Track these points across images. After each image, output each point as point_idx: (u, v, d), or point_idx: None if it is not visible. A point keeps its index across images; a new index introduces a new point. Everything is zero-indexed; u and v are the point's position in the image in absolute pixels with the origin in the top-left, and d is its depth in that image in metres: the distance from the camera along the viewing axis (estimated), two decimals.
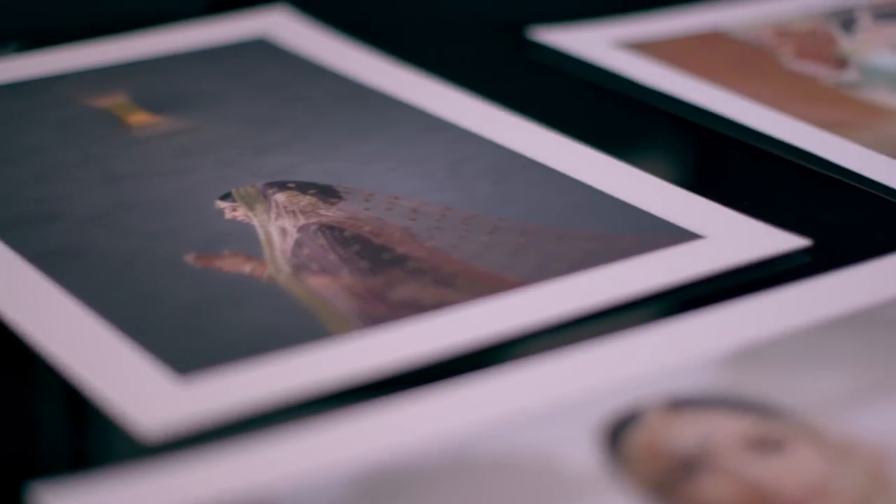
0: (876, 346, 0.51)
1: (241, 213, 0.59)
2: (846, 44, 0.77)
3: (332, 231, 0.58)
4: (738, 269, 0.56)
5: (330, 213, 0.59)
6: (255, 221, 0.58)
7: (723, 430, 0.47)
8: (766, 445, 0.46)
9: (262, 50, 0.75)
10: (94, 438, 0.49)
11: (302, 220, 0.58)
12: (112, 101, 0.69)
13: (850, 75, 0.73)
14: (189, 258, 0.55)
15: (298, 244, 0.57)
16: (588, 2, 0.83)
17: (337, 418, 0.47)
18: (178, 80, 0.72)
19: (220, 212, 0.59)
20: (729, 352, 0.51)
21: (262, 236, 0.57)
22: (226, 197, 0.60)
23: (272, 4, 0.80)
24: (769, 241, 0.58)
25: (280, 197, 0.60)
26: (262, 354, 0.50)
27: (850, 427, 0.46)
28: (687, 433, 0.47)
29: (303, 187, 0.61)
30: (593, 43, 0.76)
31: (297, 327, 0.51)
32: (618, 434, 0.47)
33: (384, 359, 0.50)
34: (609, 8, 0.81)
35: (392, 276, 0.55)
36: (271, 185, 0.61)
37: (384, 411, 0.48)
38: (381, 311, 0.52)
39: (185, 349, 0.50)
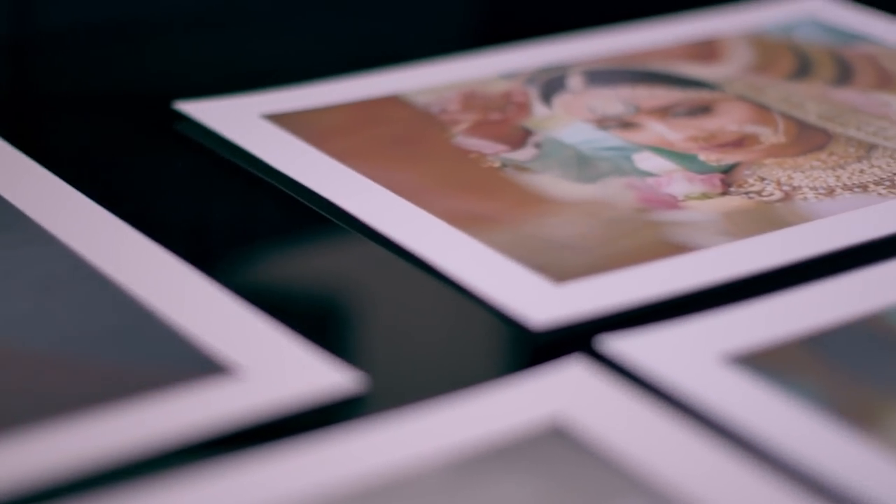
0: None
1: None
2: (537, 112, 0.67)
3: None
4: (279, 411, 0.47)
5: None
6: None
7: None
8: None
9: None
10: None
11: None
12: None
13: (523, 154, 0.63)
14: None
15: None
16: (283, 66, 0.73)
17: None
18: None
19: None
20: None
21: None
22: None
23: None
24: (317, 376, 0.48)
25: None
26: None
27: None
28: None
29: None
30: (240, 117, 0.65)
31: None
32: None
33: None
34: (323, 68, 0.71)
35: None
36: None
37: None
38: None
39: None
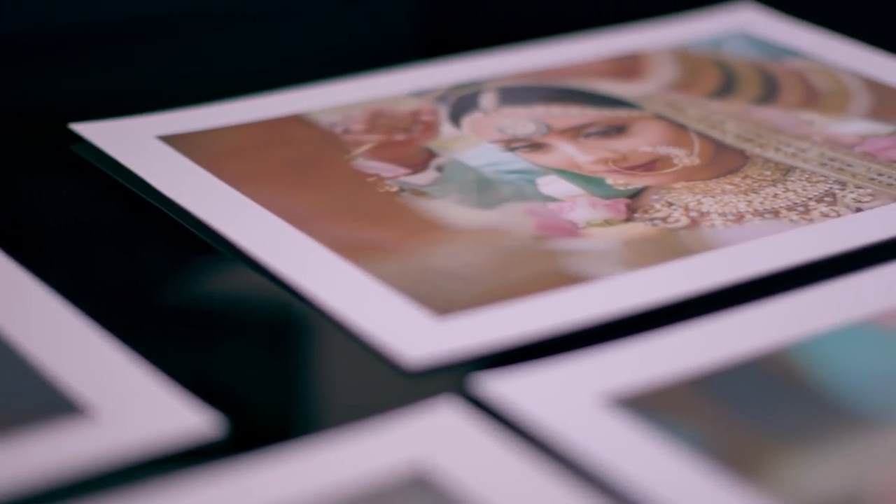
0: None
1: None
2: (444, 133, 0.64)
3: None
4: (133, 455, 0.44)
5: None
6: None
7: None
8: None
9: None
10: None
11: None
12: None
13: (423, 177, 0.60)
14: None
15: None
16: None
17: None
18: None
19: None
20: None
21: None
22: None
23: None
24: (175, 418, 0.45)
25: None
26: None
27: None
28: None
29: None
30: (134, 139, 0.62)
31: None
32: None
33: None
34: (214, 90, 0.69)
35: None
36: None
37: None
38: None
39: None
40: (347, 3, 0.80)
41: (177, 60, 0.73)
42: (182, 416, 0.46)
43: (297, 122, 0.64)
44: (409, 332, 0.50)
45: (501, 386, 0.47)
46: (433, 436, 0.45)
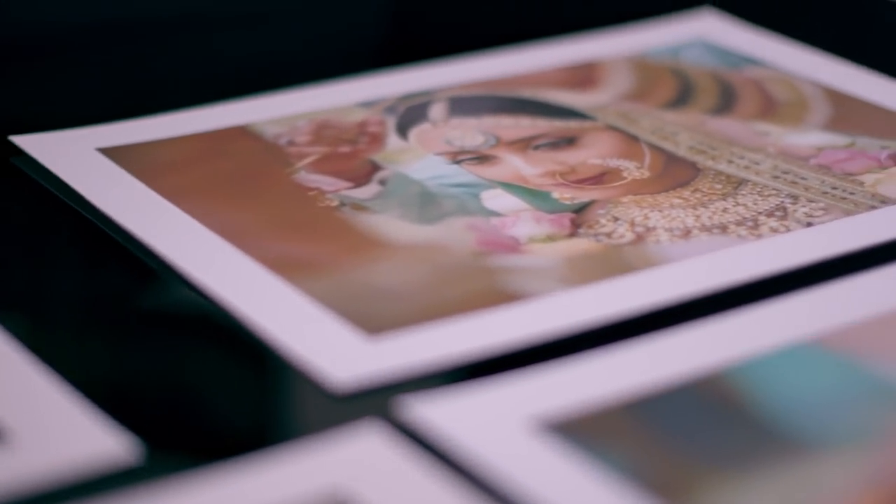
0: None
1: None
2: (391, 145, 0.63)
3: None
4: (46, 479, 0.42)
5: None
6: None
7: None
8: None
9: None
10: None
11: None
12: None
13: (365, 191, 0.58)
14: None
15: None
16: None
17: None
18: None
19: None
20: None
21: None
22: None
23: None
24: (90, 442, 0.44)
25: None
26: None
27: None
28: None
29: None
30: (74, 151, 0.60)
31: None
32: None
33: None
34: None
35: None
36: None
37: None
38: None
39: None
40: (308, 9, 0.79)
41: (122, 71, 0.71)
42: (98, 440, 0.44)
43: (242, 134, 0.63)
44: (338, 353, 0.48)
45: (428, 410, 0.46)
46: (355, 461, 0.44)
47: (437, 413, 0.45)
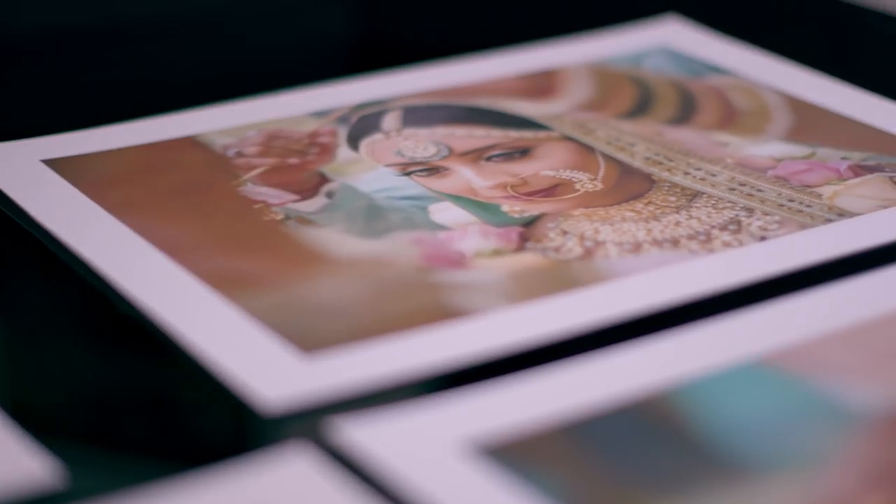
0: None
1: None
2: (341, 156, 0.61)
3: None
4: None
5: None
6: None
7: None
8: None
9: None
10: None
11: None
12: None
13: (311, 204, 0.57)
14: None
15: None
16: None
17: None
18: None
19: None
20: None
21: None
22: None
23: None
24: (10, 464, 0.43)
25: None
26: None
27: None
28: None
29: None
30: (18, 163, 0.59)
31: None
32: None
33: None
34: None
35: None
36: None
37: None
38: None
39: None
40: (272, 17, 0.77)
41: (69, 80, 0.70)
42: (21, 462, 0.43)
43: (191, 145, 0.62)
44: (270, 372, 0.47)
45: (358, 432, 0.44)
46: (280, 485, 0.42)
47: (367, 436, 0.44)
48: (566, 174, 0.59)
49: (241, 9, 0.78)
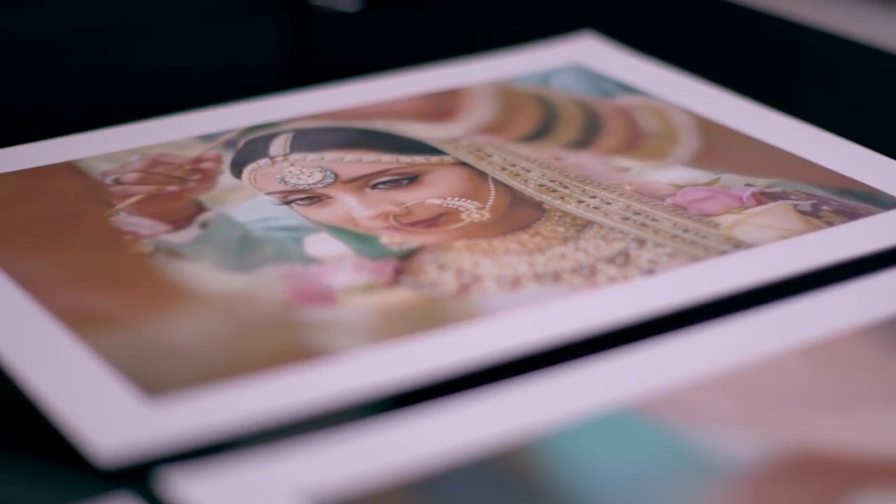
0: None
1: None
2: (222, 183, 0.59)
3: None
4: None
5: None
6: None
7: None
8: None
9: None
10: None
11: None
12: None
13: (183, 236, 0.54)
14: None
15: None
16: None
17: None
18: None
19: None
20: None
21: None
22: None
23: None
24: None
25: None
26: None
27: None
28: None
29: None
30: None
31: None
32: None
33: None
34: None
35: None
36: None
37: None
38: None
39: None
40: (198, 32, 0.75)
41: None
42: None
43: (68, 171, 0.59)
44: (107, 418, 0.44)
45: (189, 484, 0.42)
46: None
47: (198, 488, 0.42)
48: (453, 203, 0.57)
49: (165, 21, 0.76)
